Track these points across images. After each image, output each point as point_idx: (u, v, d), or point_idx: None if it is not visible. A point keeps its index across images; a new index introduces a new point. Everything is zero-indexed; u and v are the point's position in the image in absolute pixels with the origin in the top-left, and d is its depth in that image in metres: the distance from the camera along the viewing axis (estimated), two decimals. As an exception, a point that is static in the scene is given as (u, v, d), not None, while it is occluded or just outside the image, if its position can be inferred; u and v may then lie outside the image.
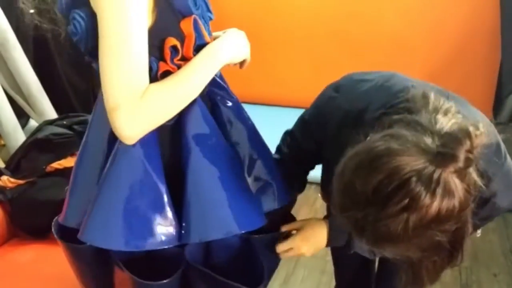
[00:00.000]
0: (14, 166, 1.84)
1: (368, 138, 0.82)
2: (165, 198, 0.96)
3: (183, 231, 0.97)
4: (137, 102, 0.83)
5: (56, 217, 1.15)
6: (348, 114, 1.05)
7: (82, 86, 2.85)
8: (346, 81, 1.15)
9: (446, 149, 0.75)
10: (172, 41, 0.92)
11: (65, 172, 1.81)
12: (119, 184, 0.95)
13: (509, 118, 4.05)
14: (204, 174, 0.99)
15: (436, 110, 0.84)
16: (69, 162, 1.83)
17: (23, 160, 1.83)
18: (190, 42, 0.95)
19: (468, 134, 0.76)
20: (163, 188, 0.96)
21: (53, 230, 1.13)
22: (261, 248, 1.14)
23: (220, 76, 1.10)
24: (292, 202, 1.29)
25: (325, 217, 1.23)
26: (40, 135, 1.85)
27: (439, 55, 3.95)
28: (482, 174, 0.82)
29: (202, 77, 0.94)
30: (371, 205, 0.76)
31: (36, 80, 2.86)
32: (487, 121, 1.05)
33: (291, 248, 1.16)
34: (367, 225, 0.78)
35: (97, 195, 0.96)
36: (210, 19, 1.05)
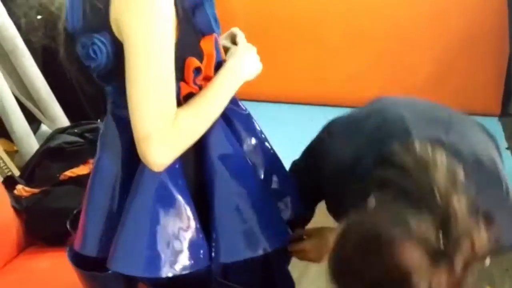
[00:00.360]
0: (28, 174, 1.88)
1: (367, 206, 0.78)
2: (194, 222, 0.96)
3: (213, 252, 0.98)
4: (168, 130, 0.83)
5: (68, 244, 1.15)
6: (340, 162, 1.02)
7: (93, 92, 2.86)
8: (337, 127, 1.13)
9: (446, 252, 0.70)
10: (194, 62, 0.92)
11: (78, 180, 1.84)
12: (147, 210, 0.95)
13: (519, 110, 4.03)
14: (231, 194, 1.01)
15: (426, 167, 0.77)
16: (82, 170, 1.86)
17: (37, 169, 1.86)
18: (212, 62, 0.95)
19: (470, 236, 0.71)
20: (191, 212, 0.96)
21: (68, 258, 1.13)
22: (278, 264, 1.17)
23: None
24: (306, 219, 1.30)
25: None
26: (53, 144, 1.88)
27: (446, 47, 3.92)
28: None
29: (225, 97, 0.96)
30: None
31: (46, 86, 2.89)
32: (490, 151, 1.00)
33: (301, 251, 1.18)
34: None
35: (123, 223, 0.96)
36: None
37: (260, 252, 1.01)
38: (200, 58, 0.93)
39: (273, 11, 4.16)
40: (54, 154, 1.86)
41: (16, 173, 1.99)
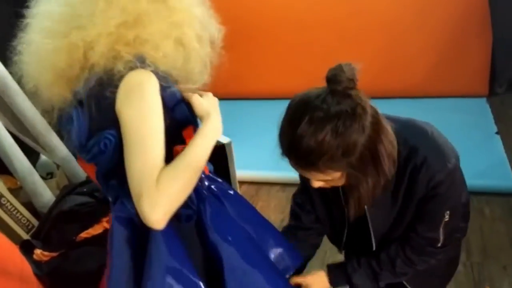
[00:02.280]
0: (44, 237, 1.93)
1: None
2: None
3: None
4: (153, 190, 0.95)
5: None
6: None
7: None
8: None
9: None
10: (180, 148, 1.04)
11: (93, 241, 1.91)
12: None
13: (506, 89, 4.11)
14: (237, 261, 1.13)
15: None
16: (96, 230, 1.92)
17: (53, 232, 1.91)
18: None
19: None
20: (203, 284, 1.08)
21: None
22: None
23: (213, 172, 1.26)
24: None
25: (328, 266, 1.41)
26: (64, 207, 1.93)
27: (434, 36, 3.96)
28: (405, 143, 1.16)
29: (201, 158, 1.05)
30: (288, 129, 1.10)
31: (42, 120, 2.90)
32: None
33: None
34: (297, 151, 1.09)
35: None
36: None
37: None
38: (184, 143, 1.07)
39: (257, 7, 4.13)
40: (67, 217, 1.91)
41: (25, 237, 2.03)
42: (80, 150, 1.07)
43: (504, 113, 3.90)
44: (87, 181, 2.09)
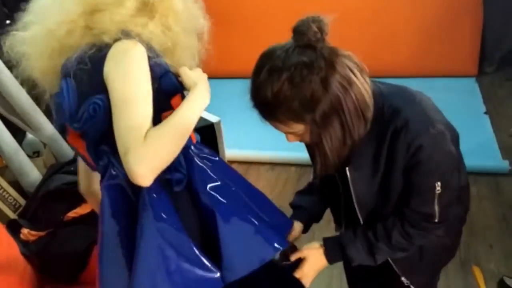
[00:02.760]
0: (31, 216, 1.91)
1: None
2: (197, 251, 1.08)
3: (225, 271, 1.10)
4: (140, 146, 0.97)
5: None
6: None
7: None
8: None
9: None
10: (169, 114, 1.06)
11: (81, 220, 1.89)
12: (154, 259, 1.06)
13: (495, 68, 4.13)
14: (231, 216, 1.14)
15: None
16: (84, 209, 1.90)
17: (39, 211, 1.90)
18: None
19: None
20: (191, 244, 1.08)
21: None
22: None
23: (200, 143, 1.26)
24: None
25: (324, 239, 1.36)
26: (52, 186, 1.90)
27: (425, 16, 3.94)
28: (390, 104, 1.14)
29: (190, 119, 1.06)
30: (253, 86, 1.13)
31: (27, 98, 2.85)
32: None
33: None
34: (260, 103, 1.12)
35: (133, 276, 1.05)
36: None
37: (268, 258, 1.16)
38: (171, 109, 1.08)
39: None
40: (54, 196, 1.89)
41: (12, 216, 2.01)
42: (70, 121, 1.07)
43: (493, 93, 3.92)
44: (75, 159, 2.06)
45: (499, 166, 3.00)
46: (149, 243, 1.05)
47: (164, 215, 1.07)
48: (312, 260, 1.29)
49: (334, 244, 1.29)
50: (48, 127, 2.87)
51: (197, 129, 1.15)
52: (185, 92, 1.15)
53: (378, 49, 3.99)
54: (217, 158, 1.23)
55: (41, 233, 1.88)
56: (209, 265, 1.08)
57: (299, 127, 1.11)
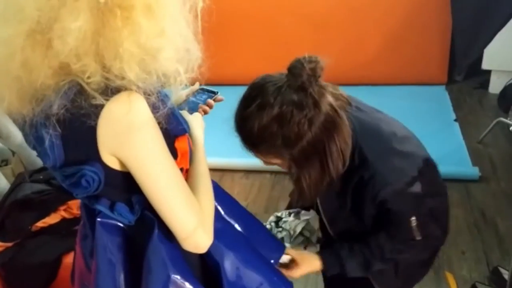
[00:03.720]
0: (-2, 227, 1.85)
1: None
2: None
3: None
4: (203, 218, 0.96)
5: None
6: None
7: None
8: None
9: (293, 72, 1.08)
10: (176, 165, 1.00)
11: (50, 230, 1.84)
12: None
13: (464, 76, 4.22)
14: (233, 262, 1.11)
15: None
16: (53, 219, 1.85)
17: (6, 221, 1.84)
18: (187, 158, 1.04)
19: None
20: None
21: None
22: None
23: None
24: None
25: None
26: (20, 195, 1.85)
27: (394, 21, 4.00)
28: (360, 152, 1.15)
29: (207, 170, 1.06)
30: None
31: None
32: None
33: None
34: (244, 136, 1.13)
35: None
36: None
37: None
38: (175, 157, 1.00)
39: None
40: (22, 206, 1.83)
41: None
42: (55, 172, 0.98)
43: (463, 100, 4.00)
44: (44, 168, 2.01)
45: (469, 173, 3.05)
46: (158, 280, 1.01)
47: (176, 264, 1.02)
48: (304, 268, 1.31)
49: (333, 259, 1.30)
50: (17, 135, 2.80)
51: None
52: None
53: (347, 56, 4.02)
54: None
55: (8, 244, 1.81)
56: None
57: (277, 161, 1.15)
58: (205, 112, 1.22)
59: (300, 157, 1.11)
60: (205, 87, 1.19)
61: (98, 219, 1.02)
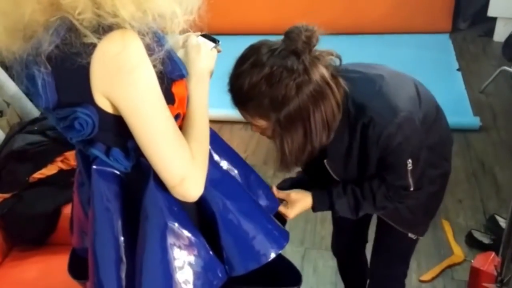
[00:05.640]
0: (-5, 178, 1.84)
1: None
2: (204, 248, 1.04)
3: (226, 266, 1.08)
4: (194, 167, 0.93)
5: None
6: None
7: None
8: None
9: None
10: (173, 110, 0.96)
11: (48, 181, 1.83)
12: (160, 253, 1.00)
13: (469, 24, 4.12)
14: (230, 213, 1.09)
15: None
16: (50, 170, 1.84)
17: (3, 173, 1.83)
18: (184, 103, 1.01)
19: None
20: (199, 241, 1.04)
21: None
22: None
23: None
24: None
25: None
26: (15, 146, 1.83)
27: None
28: (354, 102, 1.19)
29: (207, 109, 1.03)
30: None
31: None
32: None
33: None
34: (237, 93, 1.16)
35: (140, 271, 1.00)
36: None
37: (271, 256, 1.11)
38: (172, 102, 0.97)
39: None
40: (18, 157, 1.81)
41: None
42: (49, 115, 0.96)
43: (466, 49, 3.92)
44: (38, 118, 1.99)
45: (470, 123, 3.04)
46: (155, 227, 1.00)
47: (174, 211, 1.01)
48: (297, 207, 1.34)
49: (323, 198, 1.35)
50: (10, 85, 2.74)
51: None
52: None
53: (353, 5, 3.93)
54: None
55: (6, 195, 1.81)
56: (215, 261, 1.06)
57: (263, 123, 1.18)
58: None
59: (285, 121, 1.14)
60: (207, 34, 1.15)
61: (94, 167, 1.01)
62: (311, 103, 1.13)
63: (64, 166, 1.88)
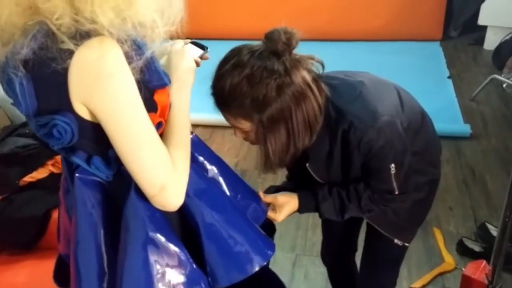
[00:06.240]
0: (-15, 181, 1.82)
1: None
2: (186, 259, 1.02)
3: (210, 278, 1.06)
4: (175, 175, 0.92)
5: None
6: None
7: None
8: None
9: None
10: (154, 118, 0.94)
11: (38, 184, 1.82)
12: (141, 266, 0.98)
13: (460, 33, 4.16)
14: (214, 224, 1.07)
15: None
16: (41, 173, 1.83)
17: (-6, 176, 1.81)
18: (166, 112, 1.00)
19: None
20: (182, 252, 1.02)
21: None
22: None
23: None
24: None
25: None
26: (5, 149, 1.81)
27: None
28: (334, 106, 1.20)
29: (187, 115, 1.02)
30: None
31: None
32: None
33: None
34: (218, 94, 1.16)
35: (121, 280, 0.98)
36: None
37: (256, 268, 1.09)
38: (155, 110, 0.97)
39: None
40: (8, 160, 1.80)
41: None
42: (30, 122, 0.94)
43: (457, 57, 3.96)
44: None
45: (460, 130, 3.06)
46: (136, 238, 0.98)
47: (155, 221, 0.99)
48: (285, 211, 1.34)
49: (308, 199, 1.35)
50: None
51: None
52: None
53: (345, 13, 3.95)
54: (191, 136, 1.13)
55: (-5, 199, 1.79)
56: (198, 272, 1.04)
57: (246, 124, 1.17)
58: (197, 65, 1.18)
59: (267, 122, 1.14)
60: (196, 41, 1.16)
61: (77, 175, 0.99)
62: (292, 103, 1.13)
63: (55, 170, 1.86)
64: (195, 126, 2.96)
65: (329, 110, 1.21)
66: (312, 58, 1.19)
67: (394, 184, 1.27)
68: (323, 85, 1.19)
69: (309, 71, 1.17)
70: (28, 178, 1.81)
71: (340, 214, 1.34)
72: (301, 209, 1.36)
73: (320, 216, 1.38)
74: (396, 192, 1.29)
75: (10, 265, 1.78)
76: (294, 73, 1.12)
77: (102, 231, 1.01)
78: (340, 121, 1.20)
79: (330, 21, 3.92)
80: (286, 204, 1.33)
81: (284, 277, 2.19)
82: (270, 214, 1.31)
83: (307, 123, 1.17)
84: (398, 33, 4.04)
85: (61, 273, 1.21)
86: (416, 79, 3.28)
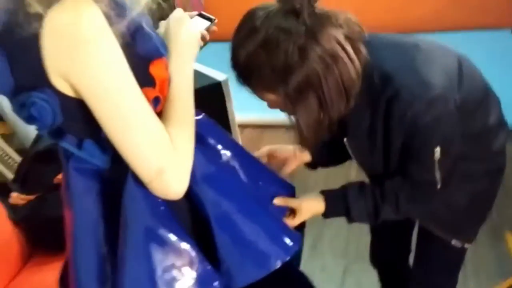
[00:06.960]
0: (22, 180, 1.82)
1: None
2: (196, 255, 0.92)
3: (225, 278, 0.95)
4: (174, 155, 0.82)
5: None
6: None
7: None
8: None
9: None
10: (151, 92, 0.85)
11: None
12: (142, 259, 0.89)
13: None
14: (226, 214, 0.97)
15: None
16: (75, 171, 1.79)
17: (29, 173, 1.80)
18: (165, 86, 0.90)
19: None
20: (189, 246, 0.92)
21: None
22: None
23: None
24: None
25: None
26: (41, 147, 1.80)
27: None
28: (381, 69, 1.03)
29: (191, 93, 0.91)
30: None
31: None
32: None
33: None
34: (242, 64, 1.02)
35: (121, 275, 0.89)
36: None
37: (278, 264, 0.98)
38: (152, 84, 0.87)
39: None
40: (44, 158, 1.78)
41: (10, 177, 1.92)
42: (12, 104, 0.85)
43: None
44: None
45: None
46: (137, 249, 0.89)
47: (156, 211, 0.90)
48: (304, 214, 1.16)
49: (337, 201, 1.18)
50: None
51: (200, 89, 0.99)
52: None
53: (404, 2, 3.79)
54: (200, 117, 1.04)
55: (31, 197, 1.77)
56: (210, 272, 0.93)
57: (271, 97, 1.06)
58: (204, 40, 1.07)
59: (294, 94, 1.00)
60: (203, 13, 1.08)
61: (71, 164, 0.90)
62: (320, 68, 0.98)
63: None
64: (243, 127, 2.86)
65: (374, 75, 1.05)
66: (345, 15, 1.03)
67: (437, 175, 1.09)
68: (361, 46, 1.04)
69: (341, 26, 1.01)
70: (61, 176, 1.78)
71: (373, 217, 1.17)
72: (327, 214, 1.19)
73: (349, 221, 1.20)
74: (438, 186, 1.11)
75: (44, 266, 1.75)
76: (320, 32, 0.97)
77: (102, 228, 0.92)
78: (385, 88, 1.04)
79: (390, 13, 3.80)
80: (305, 206, 1.17)
81: (332, 286, 2.04)
82: (286, 219, 1.14)
83: (342, 88, 1.02)
84: (464, 22, 3.84)
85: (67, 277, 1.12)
86: (486, 70, 3.00)
